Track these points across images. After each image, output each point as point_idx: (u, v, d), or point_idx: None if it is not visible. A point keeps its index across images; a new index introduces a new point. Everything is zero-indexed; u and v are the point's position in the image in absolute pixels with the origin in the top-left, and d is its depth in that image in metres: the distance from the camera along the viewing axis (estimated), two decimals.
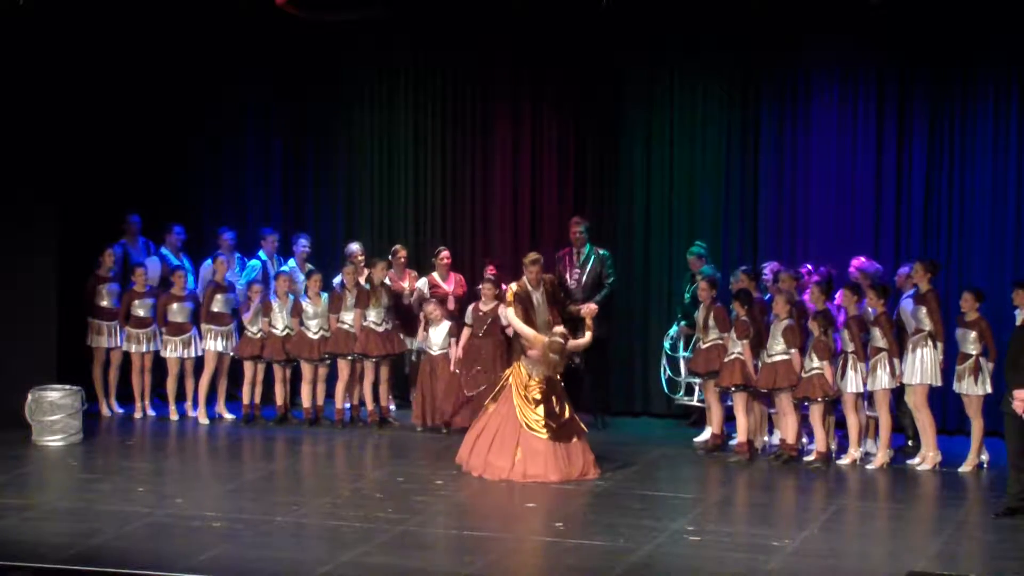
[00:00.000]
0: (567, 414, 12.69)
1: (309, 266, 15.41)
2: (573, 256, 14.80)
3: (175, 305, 14.96)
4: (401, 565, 10.07)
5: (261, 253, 15.62)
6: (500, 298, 14.10)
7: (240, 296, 15.19)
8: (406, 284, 15.15)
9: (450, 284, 15.07)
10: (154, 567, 9.83)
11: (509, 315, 13.13)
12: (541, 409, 12.57)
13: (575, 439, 12.70)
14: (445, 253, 15.18)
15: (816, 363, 13.04)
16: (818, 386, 13.01)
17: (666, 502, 12.04)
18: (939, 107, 14.55)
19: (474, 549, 10.51)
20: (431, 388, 14.55)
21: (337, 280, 15.10)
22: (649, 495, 12.16)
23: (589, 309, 13.60)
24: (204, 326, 14.91)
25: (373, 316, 14.68)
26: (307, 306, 14.81)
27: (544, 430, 12.54)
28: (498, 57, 15.76)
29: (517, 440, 12.56)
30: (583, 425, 12.93)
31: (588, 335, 13.06)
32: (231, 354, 14.97)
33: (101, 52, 15.15)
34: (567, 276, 14.71)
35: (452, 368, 14.50)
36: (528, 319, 12.92)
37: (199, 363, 15.08)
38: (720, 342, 13.58)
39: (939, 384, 13.04)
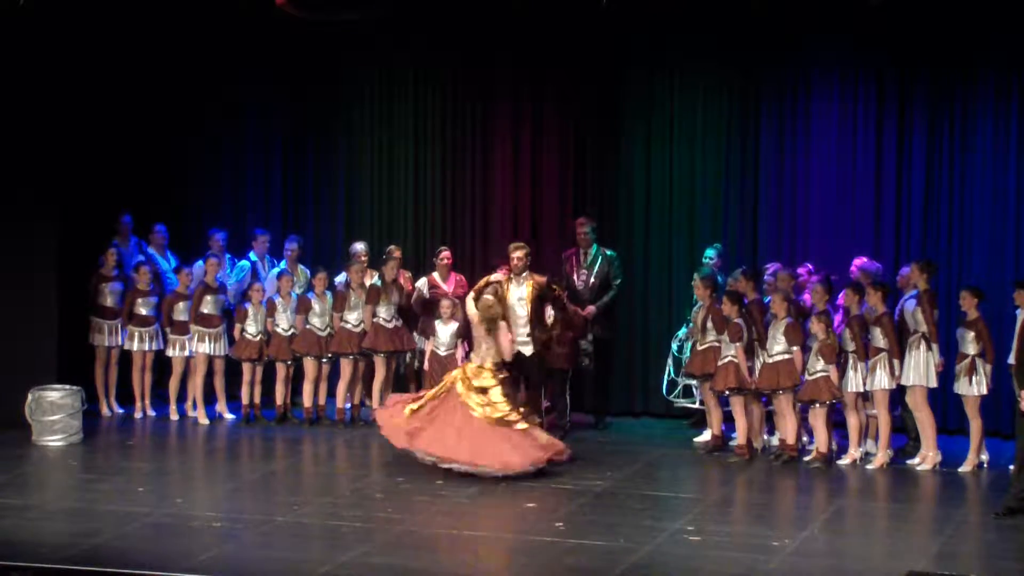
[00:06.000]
0: (512, 404, 12.77)
1: (301, 266, 15.40)
2: (580, 256, 14.77)
3: (181, 304, 14.95)
4: (401, 565, 10.08)
5: (251, 254, 15.60)
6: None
7: (230, 297, 15.18)
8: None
9: (450, 285, 14.98)
10: (154, 567, 9.84)
11: (467, 301, 13.40)
12: (494, 393, 12.67)
13: (520, 427, 12.67)
14: (446, 253, 15.12)
15: (821, 365, 13.03)
16: (825, 388, 12.97)
17: (666, 502, 12.05)
18: (939, 107, 14.54)
19: (474, 549, 10.52)
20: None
21: (340, 279, 15.10)
22: (649, 495, 12.16)
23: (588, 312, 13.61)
24: (192, 327, 14.89)
25: (383, 312, 14.67)
26: (315, 303, 14.81)
27: (484, 411, 12.60)
28: (498, 57, 15.75)
29: (459, 420, 12.64)
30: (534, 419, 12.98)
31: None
32: (221, 355, 14.95)
33: (101, 52, 15.12)
34: (574, 277, 14.67)
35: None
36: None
37: None
38: (717, 344, 13.55)
39: (934, 385, 13.02)
